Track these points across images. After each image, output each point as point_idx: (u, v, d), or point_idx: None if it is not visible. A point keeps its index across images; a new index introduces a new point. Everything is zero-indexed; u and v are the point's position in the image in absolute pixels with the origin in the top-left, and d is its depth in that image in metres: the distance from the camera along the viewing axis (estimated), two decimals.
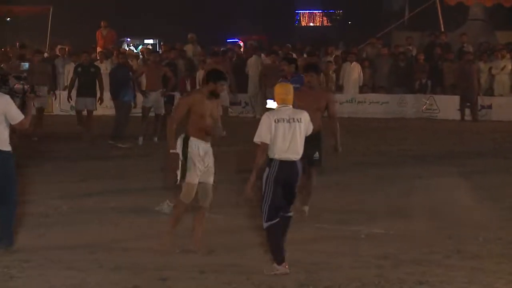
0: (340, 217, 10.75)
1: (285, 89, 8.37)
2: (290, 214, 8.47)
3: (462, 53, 23.98)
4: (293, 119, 8.21)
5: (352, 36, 32.72)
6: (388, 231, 9.96)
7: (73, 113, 18.97)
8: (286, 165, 8.17)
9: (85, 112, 18.42)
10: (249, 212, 11.08)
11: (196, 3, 42.65)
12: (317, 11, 54.16)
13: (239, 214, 10.96)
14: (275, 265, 8.20)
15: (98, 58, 24.02)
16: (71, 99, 18.74)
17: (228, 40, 36.47)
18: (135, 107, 18.29)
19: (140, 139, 17.62)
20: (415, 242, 9.44)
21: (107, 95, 18.87)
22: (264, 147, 8.16)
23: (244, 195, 8.37)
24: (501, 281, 7.97)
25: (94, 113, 18.71)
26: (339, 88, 24.09)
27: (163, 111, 18.19)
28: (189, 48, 25.18)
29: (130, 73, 17.87)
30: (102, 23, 27.18)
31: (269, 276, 8.03)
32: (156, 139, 17.86)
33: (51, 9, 29.36)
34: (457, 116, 22.81)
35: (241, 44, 33.31)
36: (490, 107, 22.95)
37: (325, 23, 54.42)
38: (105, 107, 20.56)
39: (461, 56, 23.86)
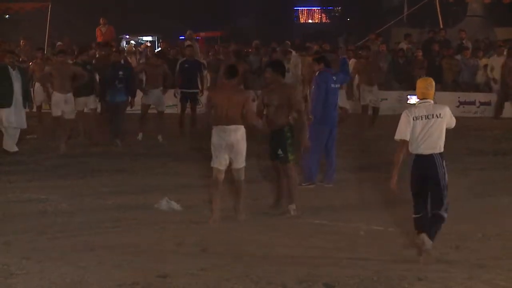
0: (339, 214, 10.76)
1: (427, 83, 8.54)
2: (441, 213, 8.50)
3: (463, 49, 23.93)
4: (432, 115, 8.43)
5: (351, 33, 32.71)
6: (387, 228, 9.96)
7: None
8: (422, 160, 8.40)
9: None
10: (246, 209, 11.09)
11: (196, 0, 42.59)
12: (315, 8, 54.12)
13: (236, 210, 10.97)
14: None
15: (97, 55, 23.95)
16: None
17: (180, 37, 35.56)
18: (131, 106, 17.58)
19: (140, 135, 17.53)
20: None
21: None
22: (404, 144, 8.44)
23: (391, 191, 8.54)
24: (500, 277, 7.97)
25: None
26: None
27: (164, 108, 18.06)
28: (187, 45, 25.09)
29: (120, 72, 16.93)
30: (101, 20, 27.04)
31: (268, 273, 8.03)
32: (160, 138, 17.67)
33: (50, 6, 29.29)
34: (456, 112, 22.76)
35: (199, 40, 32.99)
36: (489, 103, 22.93)
37: (323, 19, 54.39)
38: None
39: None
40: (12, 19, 35.01)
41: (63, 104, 16.33)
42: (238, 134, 10.28)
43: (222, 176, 10.39)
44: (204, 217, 10.48)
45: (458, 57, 23.83)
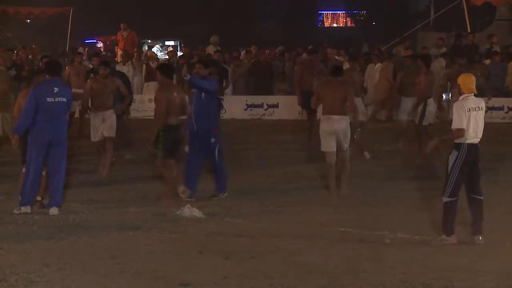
0: (364, 222, 10.61)
1: (472, 78, 9.34)
2: (481, 197, 9.37)
3: (492, 53, 23.66)
4: (479, 107, 9.26)
5: (376, 37, 32.60)
6: (413, 235, 9.80)
7: None
8: (473, 148, 9.24)
9: None
10: (269, 216, 11.00)
11: (219, 4, 42.67)
12: (340, 12, 53.94)
13: (259, 218, 10.91)
14: (443, 236, 9.30)
15: (119, 60, 23.95)
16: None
17: (86, 41, 34.85)
18: (126, 114, 16.81)
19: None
20: (440, 247, 9.29)
21: None
22: (462, 132, 9.11)
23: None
24: None
25: None
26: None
27: None
28: (210, 50, 24.99)
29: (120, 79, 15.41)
30: (122, 25, 27.00)
31: (291, 281, 7.94)
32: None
33: (71, 11, 29.37)
34: (484, 118, 22.52)
35: (101, 45, 32.65)
36: None
37: (348, 24, 54.20)
38: None
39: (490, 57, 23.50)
40: (34, 24, 35.13)
41: (100, 126, 14.23)
42: (342, 123, 11.90)
43: (334, 158, 11.97)
44: (225, 225, 10.41)
45: (486, 61, 23.54)
